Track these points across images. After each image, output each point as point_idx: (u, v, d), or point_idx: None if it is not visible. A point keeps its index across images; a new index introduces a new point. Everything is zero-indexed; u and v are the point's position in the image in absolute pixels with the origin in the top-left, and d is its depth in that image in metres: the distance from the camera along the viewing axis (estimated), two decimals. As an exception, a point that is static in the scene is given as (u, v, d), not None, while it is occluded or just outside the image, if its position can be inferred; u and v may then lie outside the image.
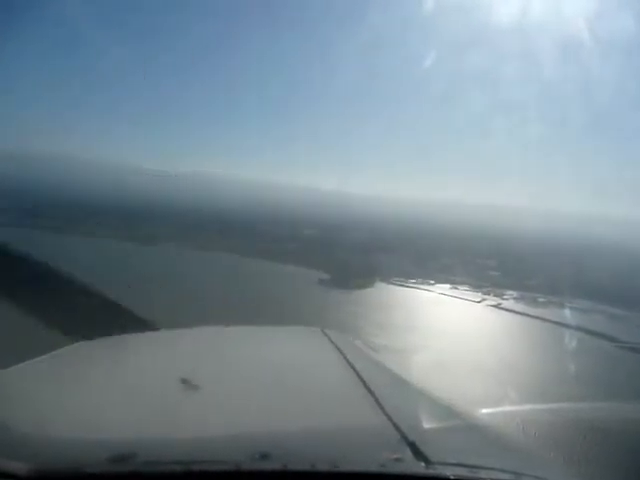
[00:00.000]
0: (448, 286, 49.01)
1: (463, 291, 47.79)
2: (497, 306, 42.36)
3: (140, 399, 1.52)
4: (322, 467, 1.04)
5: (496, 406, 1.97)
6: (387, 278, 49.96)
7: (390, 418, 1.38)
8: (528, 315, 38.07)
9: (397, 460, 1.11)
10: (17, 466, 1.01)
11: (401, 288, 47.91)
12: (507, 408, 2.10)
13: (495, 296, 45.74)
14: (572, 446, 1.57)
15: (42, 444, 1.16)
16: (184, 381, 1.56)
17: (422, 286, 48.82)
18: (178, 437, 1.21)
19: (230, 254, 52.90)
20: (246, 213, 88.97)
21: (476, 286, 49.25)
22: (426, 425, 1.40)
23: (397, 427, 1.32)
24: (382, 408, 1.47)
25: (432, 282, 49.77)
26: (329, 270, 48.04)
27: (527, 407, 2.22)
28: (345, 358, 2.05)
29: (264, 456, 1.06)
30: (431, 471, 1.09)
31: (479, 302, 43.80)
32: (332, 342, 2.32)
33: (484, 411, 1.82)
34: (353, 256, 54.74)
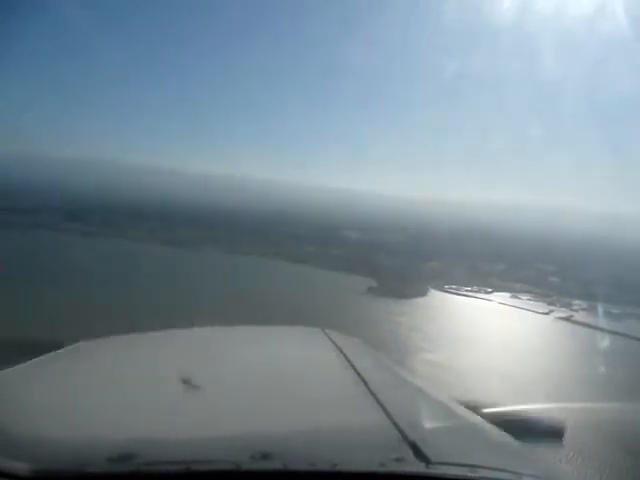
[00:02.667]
0: (508, 294, 45.23)
1: (525, 301, 43.93)
2: (568, 319, 38.33)
3: (140, 399, 1.48)
4: (322, 467, 1.04)
5: (499, 406, 1.96)
6: (440, 285, 46.51)
7: (391, 417, 1.36)
8: (609, 331, 33.81)
9: (398, 460, 1.11)
10: (18, 466, 1.02)
11: (457, 297, 44.38)
12: (509, 408, 2.08)
13: (562, 307, 41.71)
14: (573, 446, 1.62)
15: (42, 444, 1.15)
16: (185, 381, 1.53)
17: (479, 294, 45.09)
18: (178, 437, 1.20)
19: (273, 260, 50.66)
20: (278, 215, 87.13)
21: (538, 294, 45.39)
22: (427, 425, 1.38)
23: (398, 426, 1.30)
24: (382, 407, 1.44)
25: (490, 290, 46.00)
26: (377, 277, 45.07)
27: (529, 407, 2.17)
28: (345, 357, 1.99)
29: (264, 456, 1.06)
30: (432, 471, 1.08)
31: (547, 314, 39.85)
32: (332, 341, 2.26)
33: (486, 411, 1.80)
34: (401, 261, 51.65)
